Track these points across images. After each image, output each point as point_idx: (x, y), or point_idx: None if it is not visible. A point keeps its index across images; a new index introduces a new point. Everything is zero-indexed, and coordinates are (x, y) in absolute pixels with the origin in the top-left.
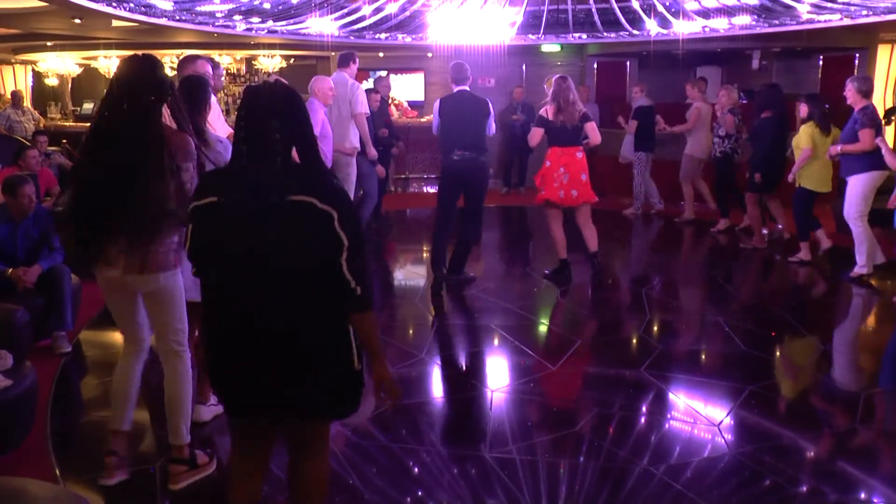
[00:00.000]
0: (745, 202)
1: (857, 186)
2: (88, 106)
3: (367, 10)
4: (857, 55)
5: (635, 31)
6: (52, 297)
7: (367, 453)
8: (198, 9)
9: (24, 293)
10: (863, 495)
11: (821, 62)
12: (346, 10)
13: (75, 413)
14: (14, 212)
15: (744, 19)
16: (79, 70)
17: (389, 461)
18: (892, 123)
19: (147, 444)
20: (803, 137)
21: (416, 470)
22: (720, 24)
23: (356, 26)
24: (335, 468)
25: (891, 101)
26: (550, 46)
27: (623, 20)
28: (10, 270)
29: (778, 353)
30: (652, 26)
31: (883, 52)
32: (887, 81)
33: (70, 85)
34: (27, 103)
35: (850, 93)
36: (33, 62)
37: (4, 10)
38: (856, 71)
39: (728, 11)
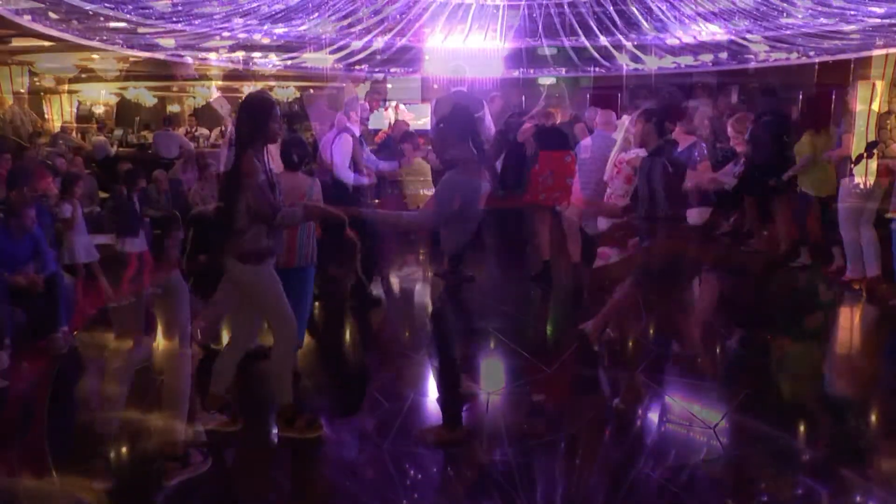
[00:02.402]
0: (746, 205)
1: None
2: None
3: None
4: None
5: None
6: (49, 299)
7: (362, 455)
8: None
9: (21, 294)
10: (858, 498)
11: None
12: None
13: (72, 413)
14: (15, 228)
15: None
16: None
17: (384, 463)
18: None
19: (143, 442)
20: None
21: (412, 472)
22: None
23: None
24: (331, 470)
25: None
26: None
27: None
28: (18, 277)
29: (773, 357)
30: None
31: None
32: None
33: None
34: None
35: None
36: (30, 63)
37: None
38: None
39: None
